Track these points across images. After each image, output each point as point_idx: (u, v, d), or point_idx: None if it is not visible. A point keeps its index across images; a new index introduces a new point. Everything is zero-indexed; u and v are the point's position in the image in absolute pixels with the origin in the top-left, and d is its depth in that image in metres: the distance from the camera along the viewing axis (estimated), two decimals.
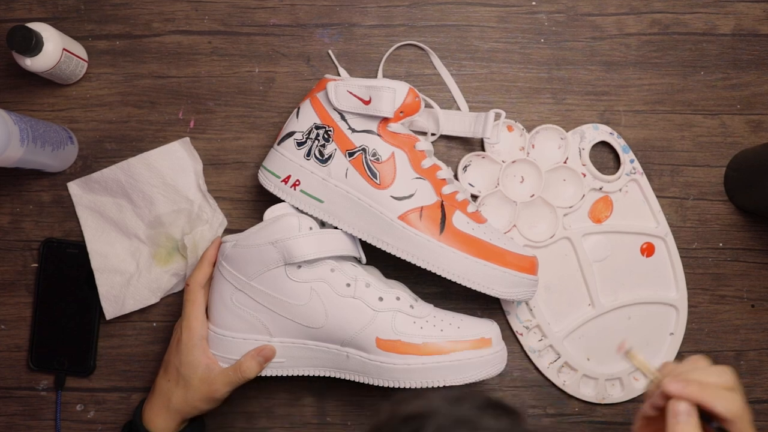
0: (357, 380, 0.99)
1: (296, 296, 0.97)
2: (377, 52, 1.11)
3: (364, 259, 1.02)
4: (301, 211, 1.01)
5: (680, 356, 1.10)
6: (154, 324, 1.10)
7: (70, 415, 1.10)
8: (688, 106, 1.11)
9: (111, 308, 1.08)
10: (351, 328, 0.97)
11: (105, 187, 1.08)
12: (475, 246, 0.98)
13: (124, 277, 1.08)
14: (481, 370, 0.97)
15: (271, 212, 1.00)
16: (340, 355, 0.98)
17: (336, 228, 1.00)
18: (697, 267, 1.11)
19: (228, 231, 1.09)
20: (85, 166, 1.10)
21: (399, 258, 0.99)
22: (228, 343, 1.00)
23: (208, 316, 1.01)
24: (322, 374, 1.00)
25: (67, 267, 1.09)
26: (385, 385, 0.98)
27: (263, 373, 0.99)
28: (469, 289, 0.98)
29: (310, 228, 0.97)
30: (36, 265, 1.10)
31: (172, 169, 1.07)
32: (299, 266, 0.96)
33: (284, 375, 1.00)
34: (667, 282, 1.10)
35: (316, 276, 0.97)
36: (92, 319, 1.09)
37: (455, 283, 0.98)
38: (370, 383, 0.98)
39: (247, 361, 0.98)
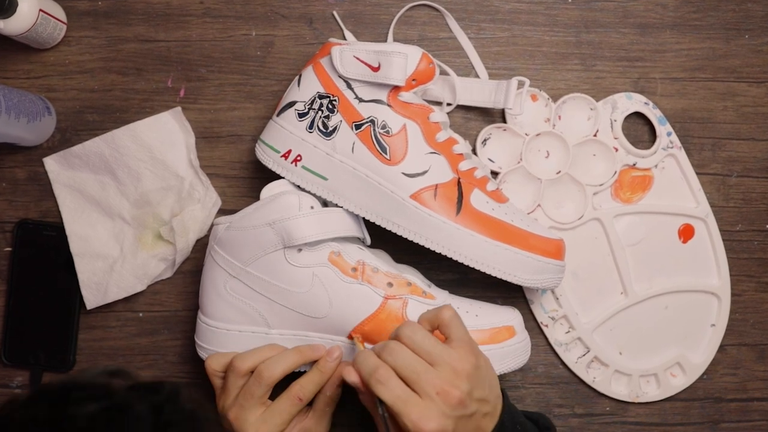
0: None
1: (297, 283, 0.97)
2: (387, 14, 1.11)
3: (368, 240, 1.03)
4: (303, 189, 1.01)
5: (722, 350, 1.11)
6: (140, 314, 1.11)
7: None
8: (732, 72, 1.12)
9: (92, 297, 1.09)
10: (357, 317, 0.97)
11: (86, 162, 1.09)
12: (495, 228, 0.99)
13: (107, 262, 1.09)
14: (501, 363, 0.98)
15: (268, 190, 1.01)
16: (345, 349, 0.99)
17: (342, 204, 1.00)
18: (741, 251, 1.12)
19: (222, 211, 1.10)
20: (63, 139, 1.11)
21: (411, 241, 0.99)
22: (222, 336, 1.00)
23: (200, 307, 1.02)
24: None
25: (43, 251, 1.10)
26: None
27: None
28: (489, 275, 0.99)
29: (312, 207, 0.98)
30: (9, 249, 1.11)
31: (162, 142, 1.08)
32: (300, 250, 0.97)
33: None
34: (707, 268, 1.11)
35: (318, 260, 0.97)
36: (72, 309, 1.10)
37: (473, 269, 0.99)
38: None
39: (330, 390, 0.99)
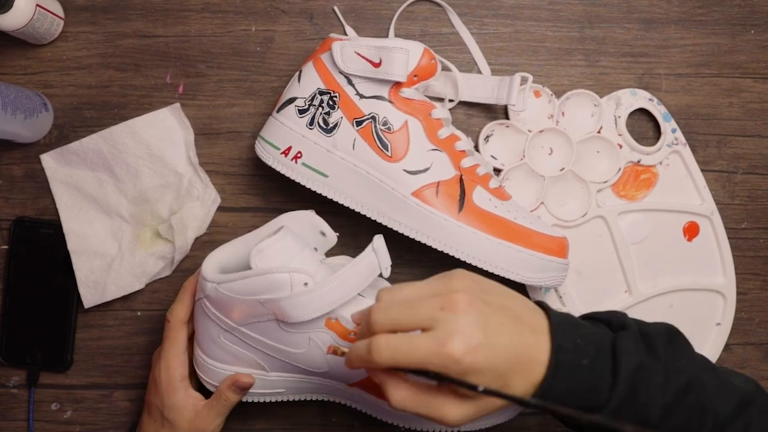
0: (366, 413, 1.00)
1: (293, 344, 0.94)
2: (388, 9, 1.11)
3: (387, 273, 0.95)
4: (302, 186, 1.01)
5: (728, 349, 1.11)
6: (139, 313, 1.11)
7: (44, 415, 1.11)
8: (737, 68, 1.12)
9: (90, 295, 1.09)
10: (358, 373, 0.95)
11: (84, 159, 1.08)
12: (497, 225, 0.99)
13: (105, 260, 1.08)
14: None
15: (258, 253, 0.92)
16: (347, 392, 0.98)
17: (342, 202, 1.00)
18: (746, 249, 1.12)
19: (221, 209, 1.10)
20: (61, 136, 1.10)
21: (412, 239, 0.99)
22: (221, 374, 0.99)
23: (196, 340, 1.01)
24: (327, 399, 1.00)
25: (40, 249, 1.10)
26: (398, 424, 1.00)
27: (263, 400, 1.00)
28: (492, 274, 0.98)
29: (305, 284, 0.91)
30: (6, 247, 1.11)
31: (160, 139, 1.08)
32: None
33: (285, 401, 1.01)
34: (713, 266, 1.11)
35: (314, 327, 0.93)
36: (69, 308, 1.10)
37: (476, 267, 0.98)
38: (382, 419, 1.00)
39: (224, 391, 0.98)
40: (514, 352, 0.76)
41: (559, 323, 0.80)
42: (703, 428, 0.80)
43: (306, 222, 1.00)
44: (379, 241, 0.94)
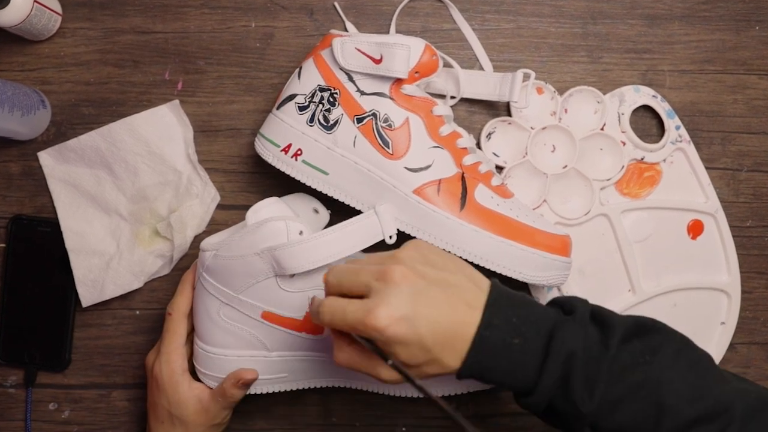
0: (369, 390, 1.00)
1: (292, 308, 0.95)
2: (389, 4, 1.11)
3: (390, 241, 0.98)
4: (307, 185, 1.01)
5: (732, 348, 1.10)
6: (137, 312, 1.11)
7: (42, 415, 1.10)
8: (742, 65, 1.11)
9: (88, 294, 1.08)
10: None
11: (81, 156, 1.08)
12: (500, 224, 0.98)
13: (103, 259, 1.08)
14: None
15: (253, 213, 0.96)
16: (347, 371, 0.98)
17: (343, 200, 1.00)
18: (751, 247, 1.11)
19: (221, 206, 1.09)
20: (58, 133, 1.10)
21: (414, 237, 0.98)
22: (221, 362, 0.99)
23: (195, 332, 1.01)
24: (330, 385, 1.00)
25: (38, 248, 1.10)
26: (398, 395, 1.00)
27: (264, 391, 1.00)
28: (494, 272, 0.98)
29: (300, 232, 0.94)
30: (3, 245, 1.10)
31: (159, 136, 1.07)
32: (292, 275, 0.94)
33: (288, 390, 1.00)
34: (717, 265, 1.10)
35: (312, 284, 0.95)
36: (67, 307, 1.10)
37: (478, 266, 0.97)
38: (384, 393, 1.00)
39: (229, 389, 0.97)
40: (440, 326, 0.79)
41: (497, 300, 0.82)
42: (659, 427, 0.80)
43: (297, 202, 1.02)
44: (384, 207, 0.97)
